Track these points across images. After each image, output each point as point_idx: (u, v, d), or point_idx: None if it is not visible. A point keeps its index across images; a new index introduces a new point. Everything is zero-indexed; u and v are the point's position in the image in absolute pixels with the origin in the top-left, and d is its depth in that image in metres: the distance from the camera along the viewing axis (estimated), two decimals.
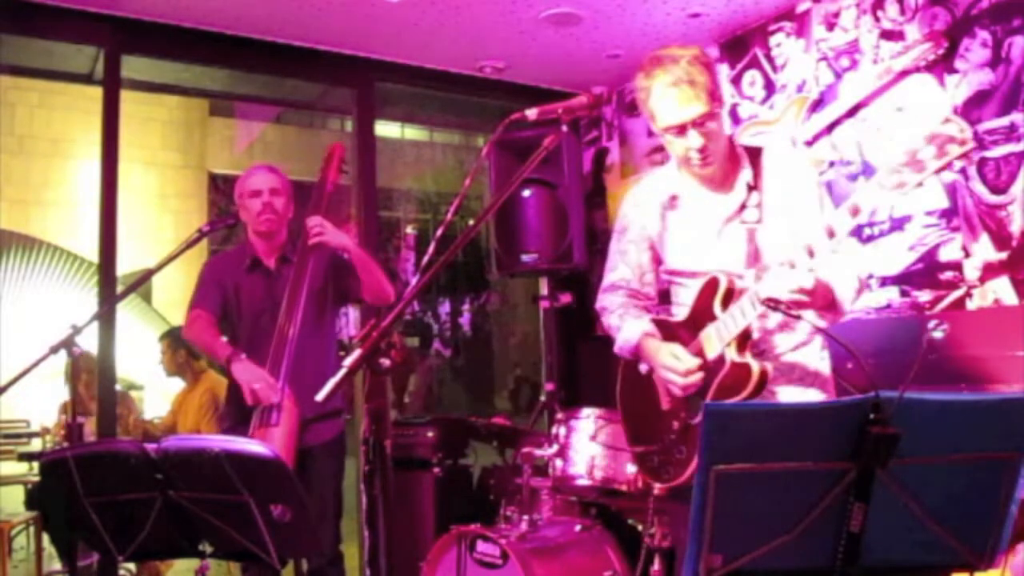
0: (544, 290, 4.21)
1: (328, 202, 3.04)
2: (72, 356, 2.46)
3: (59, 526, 2.20)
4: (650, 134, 4.56)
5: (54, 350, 2.46)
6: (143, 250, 9.87)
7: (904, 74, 3.35)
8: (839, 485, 1.33)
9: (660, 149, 4.52)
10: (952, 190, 3.19)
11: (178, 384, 4.70)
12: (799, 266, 1.74)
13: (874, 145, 3.46)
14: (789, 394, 2.03)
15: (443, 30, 3.95)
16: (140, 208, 11.01)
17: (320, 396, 1.59)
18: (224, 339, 2.88)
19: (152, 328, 8.48)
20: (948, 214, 3.20)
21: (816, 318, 1.96)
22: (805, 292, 1.74)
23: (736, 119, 4.08)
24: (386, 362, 1.59)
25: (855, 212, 1.64)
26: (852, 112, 3.55)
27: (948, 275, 3.19)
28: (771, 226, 2.00)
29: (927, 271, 3.26)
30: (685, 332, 2.03)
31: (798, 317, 1.74)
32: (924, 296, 3.26)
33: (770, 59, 3.94)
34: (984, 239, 3.09)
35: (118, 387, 3.86)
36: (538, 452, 3.05)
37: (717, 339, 1.91)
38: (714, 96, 1.95)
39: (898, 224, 3.36)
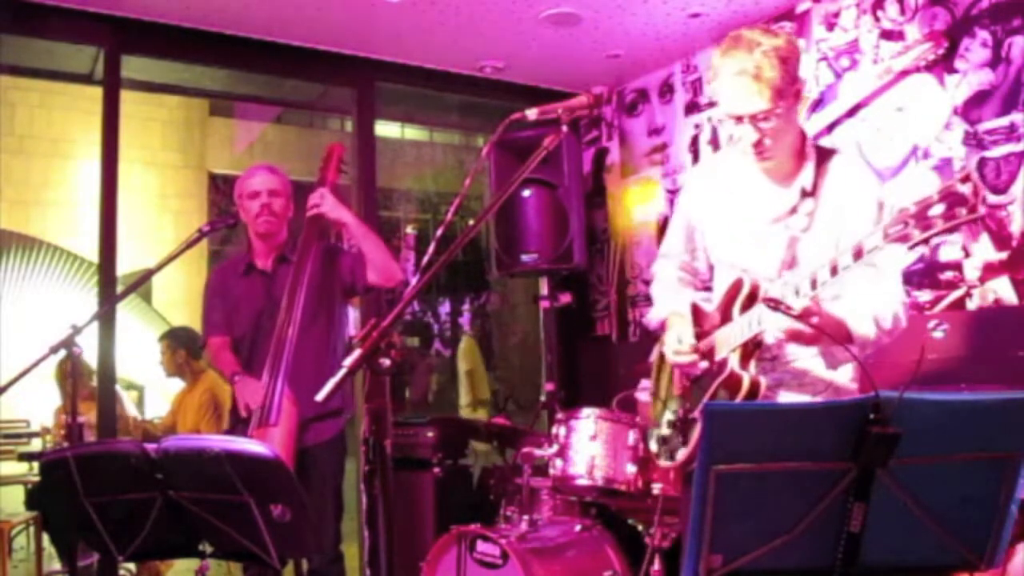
0: (544, 290, 4.21)
1: None
2: (72, 356, 2.47)
3: (59, 526, 2.20)
4: (650, 134, 4.56)
5: (54, 350, 2.46)
6: (143, 250, 9.86)
7: (904, 74, 3.35)
8: (839, 485, 1.33)
9: (660, 149, 4.52)
10: None
11: (178, 384, 4.70)
12: (805, 292, 1.70)
13: (874, 145, 3.46)
14: (796, 400, 2.01)
15: (443, 30, 3.95)
16: (140, 208, 11.01)
17: (320, 396, 1.58)
18: (233, 358, 2.94)
19: (152, 328, 8.48)
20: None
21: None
22: (807, 321, 1.70)
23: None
24: (386, 362, 1.59)
25: (858, 255, 1.57)
26: (852, 112, 3.55)
27: (948, 275, 3.19)
28: (816, 238, 1.93)
29: (927, 271, 3.26)
30: (711, 324, 2.01)
31: (798, 317, 1.74)
32: (924, 296, 3.26)
33: None
34: (984, 239, 3.09)
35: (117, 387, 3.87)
36: (538, 452, 3.05)
37: (726, 343, 1.91)
38: (781, 93, 1.84)
39: None
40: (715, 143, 4.16)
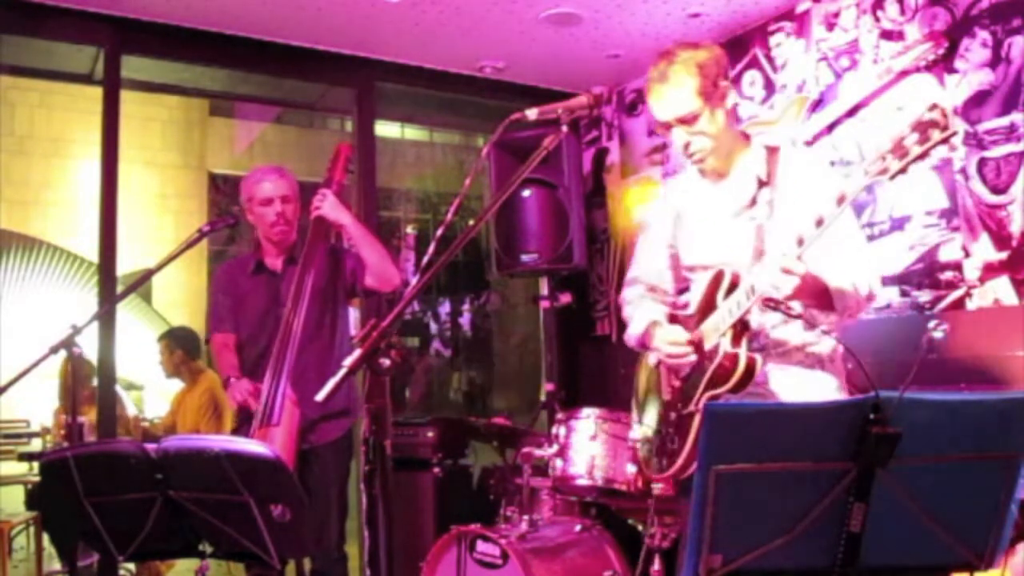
0: (544, 290, 4.21)
1: None
2: (72, 356, 2.47)
3: (59, 526, 2.20)
4: (650, 134, 4.56)
5: (54, 350, 2.46)
6: (143, 250, 9.86)
7: (904, 74, 3.35)
8: (839, 485, 1.33)
9: (660, 149, 4.52)
10: (952, 190, 3.19)
11: (178, 384, 4.70)
12: (791, 251, 1.74)
13: (874, 145, 3.46)
14: (791, 375, 2.04)
15: (443, 30, 3.95)
16: (140, 208, 11.00)
17: (320, 396, 1.59)
18: (233, 359, 2.93)
19: (152, 328, 8.48)
20: (948, 214, 3.20)
21: (821, 316, 1.97)
22: (791, 273, 1.73)
23: (736, 119, 4.08)
24: (386, 362, 1.59)
25: (840, 200, 1.66)
26: (852, 112, 3.55)
27: (948, 275, 3.19)
28: (779, 223, 2.01)
29: (927, 271, 3.26)
30: (693, 324, 2.05)
31: (798, 316, 1.75)
32: (924, 296, 3.26)
33: (770, 59, 3.94)
34: (984, 239, 3.09)
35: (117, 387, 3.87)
36: (538, 452, 3.05)
37: (714, 330, 1.94)
38: (703, 96, 1.99)
39: (898, 224, 3.36)
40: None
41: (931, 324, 1.76)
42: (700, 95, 1.98)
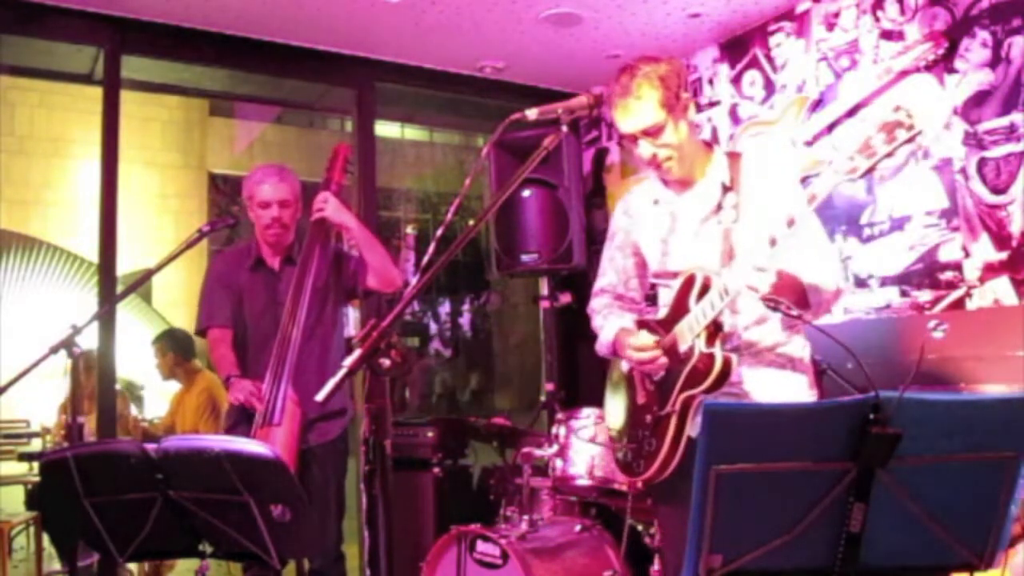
0: (544, 290, 4.21)
1: None
2: (72, 356, 2.46)
3: (59, 526, 2.19)
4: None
5: (54, 350, 2.46)
6: (143, 250, 9.86)
7: (904, 74, 3.35)
8: (839, 485, 1.33)
9: None
10: (952, 190, 3.19)
11: (177, 385, 4.70)
12: (759, 255, 1.77)
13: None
14: (763, 376, 2.06)
15: (443, 30, 3.95)
16: (140, 208, 11.00)
17: (320, 396, 1.58)
18: (231, 357, 2.91)
19: (152, 328, 8.49)
20: (948, 214, 3.20)
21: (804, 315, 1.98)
22: (764, 271, 1.76)
23: (736, 119, 4.09)
24: (386, 362, 1.59)
25: (811, 199, 1.70)
26: (852, 112, 3.55)
27: (948, 275, 3.19)
28: (746, 225, 2.04)
29: (927, 271, 3.26)
30: (664, 329, 2.06)
31: (798, 317, 1.76)
32: (924, 296, 3.26)
33: (770, 59, 3.94)
34: (984, 239, 3.09)
35: (117, 387, 3.87)
36: (538, 452, 3.06)
37: (688, 331, 1.95)
38: (665, 107, 2.01)
39: (898, 224, 3.36)
40: (715, 143, 4.15)
41: (931, 324, 1.77)
42: (663, 107, 2.01)
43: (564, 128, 1.94)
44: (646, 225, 2.25)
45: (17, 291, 9.73)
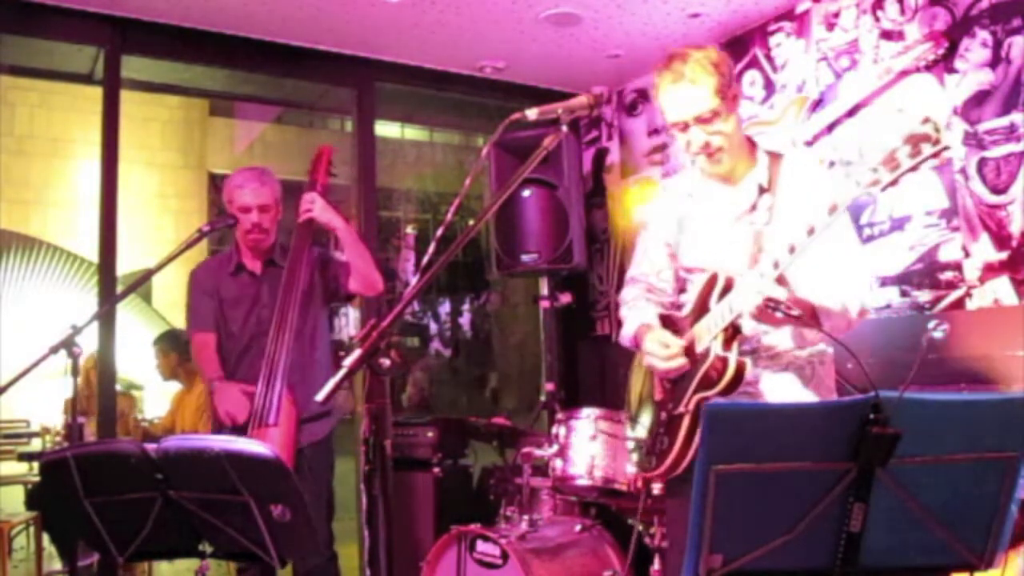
0: (544, 290, 4.21)
1: None
2: (72, 356, 2.46)
3: (59, 526, 2.19)
4: (650, 134, 4.56)
5: (54, 350, 2.46)
6: (143, 250, 9.87)
7: (904, 74, 3.35)
8: (839, 485, 1.33)
9: (660, 149, 4.52)
10: (952, 190, 3.19)
11: (177, 385, 4.71)
12: (768, 273, 1.76)
13: (874, 146, 3.46)
14: (781, 380, 2.05)
15: (443, 30, 3.95)
16: (140, 208, 11.01)
17: (320, 396, 1.59)
18: (215, 361, 2.92)
19: (152, 328, 8.48)
20: (948, 214, 3.20)
21: (808, 333, 1.98)
22: (774, 301, 1.75)
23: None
24: (386, 362, 1.59)
25: (832, 210, 1.67)
26: (852, 112, 3.55)
27: (948, 275, 3.19)
28: (778, 230, 2.00)
29: (927, 271, 3.26)
30: (687, 326, 2.05)
31: (798, 318, 1.75)
32: (924, 296, 3.26)
33: (770, 59, 3.94)
34: (984, 239, 3.09)
35: (118, 387, 3.87)
36: (538, 452, 3.06)
37: (706, 332, 1.94)
38: (720, 93, 1.98)
39: (898, 224, 3.36)
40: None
41: (931, 324, 1.77)
42: (718, 94, 1.97)
43: (564, 128, 1.93)
44: (681, 217, 2.22)
45: (17, 291, 9.73)
